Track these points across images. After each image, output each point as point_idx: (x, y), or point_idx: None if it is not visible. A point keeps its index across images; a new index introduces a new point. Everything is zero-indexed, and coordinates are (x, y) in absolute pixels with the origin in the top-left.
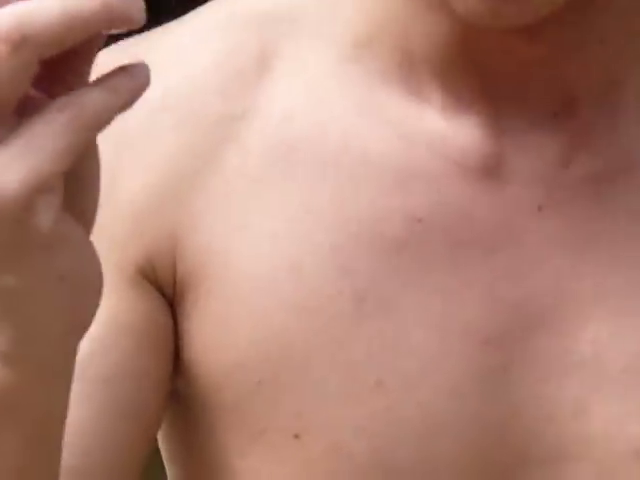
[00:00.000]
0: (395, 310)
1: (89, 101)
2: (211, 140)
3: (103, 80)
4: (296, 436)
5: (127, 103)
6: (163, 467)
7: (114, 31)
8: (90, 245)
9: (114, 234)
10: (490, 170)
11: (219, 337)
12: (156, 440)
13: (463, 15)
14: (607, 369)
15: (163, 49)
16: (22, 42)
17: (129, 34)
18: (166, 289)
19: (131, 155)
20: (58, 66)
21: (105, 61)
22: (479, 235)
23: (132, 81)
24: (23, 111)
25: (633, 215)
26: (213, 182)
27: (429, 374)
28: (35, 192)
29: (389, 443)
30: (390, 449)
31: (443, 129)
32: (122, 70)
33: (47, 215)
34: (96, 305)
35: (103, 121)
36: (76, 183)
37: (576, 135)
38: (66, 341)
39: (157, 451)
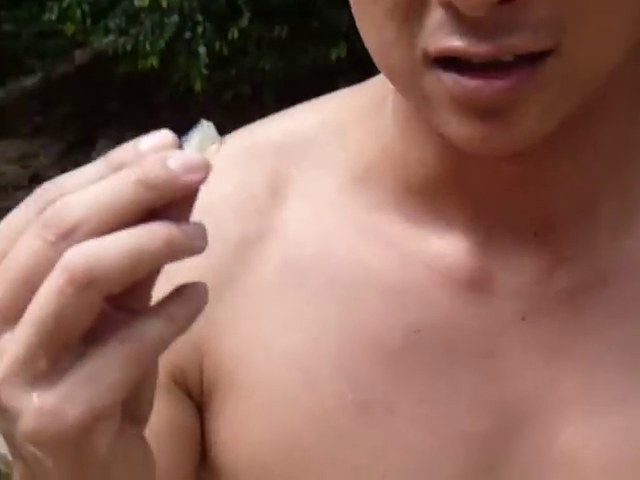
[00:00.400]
0: (395, 415)
1: (147, 333)
2: (233, 259)
3: (162, 307)
4: None
5: (183, 329)
6: None
7: None
8: (144, 447)
9: None
10: (478, 284)
11: (244, 437)
12: None
13: (455, 142)
14: (584, 469)
15: None
16: (87, 284)
17: None
18: (194, 391)
19: (162, 273)
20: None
21: None
22: (468, 343)
23: (189, 308)
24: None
25: (606, 325)
26: (234, 299)
27: (427, 472)
28: (93, 421)
29: None
30: None
31: (435, 248)
32: (179, 295)
33: (104, 438)
34: None
35: (159, 350)
36: (135, 390)
37: (554, 253)
38: None
39: None
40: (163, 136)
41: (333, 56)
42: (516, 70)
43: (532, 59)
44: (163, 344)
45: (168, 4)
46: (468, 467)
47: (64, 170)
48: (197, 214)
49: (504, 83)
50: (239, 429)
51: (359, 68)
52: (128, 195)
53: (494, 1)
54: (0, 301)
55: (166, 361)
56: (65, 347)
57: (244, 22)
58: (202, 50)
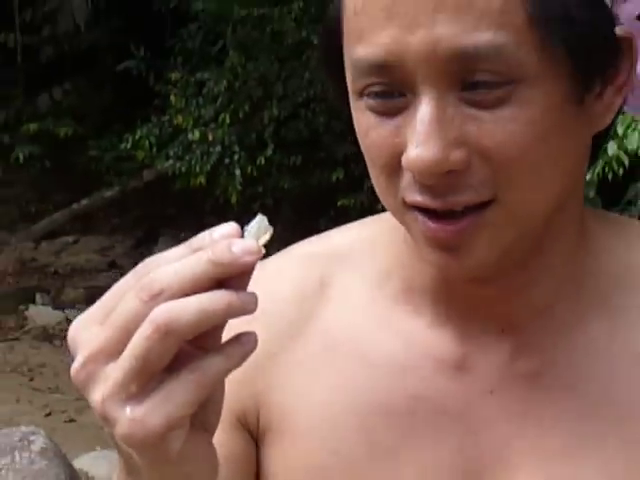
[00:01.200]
0: (394, 456)
1: (210, 366)
2: (287, 335)
3: (223, 347)
4: None
5: (237, 365)
6: None
7: None
8: (210, 450)
9: (227, 387)
10: (458, 365)
11: (287, 467)
12: None
13: (428, 263)
14: None
15: (265, 271)
16: (167, 333)
17: None
18: (253, 431)
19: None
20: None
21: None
22: (449, 408)
23: (243, 349)
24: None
25: (559, 398)
26: (286, 364)
27: None
28: (169, 429)
29: None
30: None
31: (430, 337)
32: (237, 340)
33: (176, 443)
34: None
35: (218, 380)
36: (205, 404)
37: (517, 346)
38: None
39: None
40: (230, 227)
41: (334, 178)
42: (465, 217)
43: (477, 208)
44: (221, 375)
45: (213, 138)
46: None
47: (134, 259)
48: (266, 297)
49: (455, 227)
50: (284, 461)
51: (353, 187)
52: (201, 270)
53: (442, 172)
54: (109, 341)
55: (234, 407)
56: (150, 376)
57: (269, 152)
58: (237, 172)
